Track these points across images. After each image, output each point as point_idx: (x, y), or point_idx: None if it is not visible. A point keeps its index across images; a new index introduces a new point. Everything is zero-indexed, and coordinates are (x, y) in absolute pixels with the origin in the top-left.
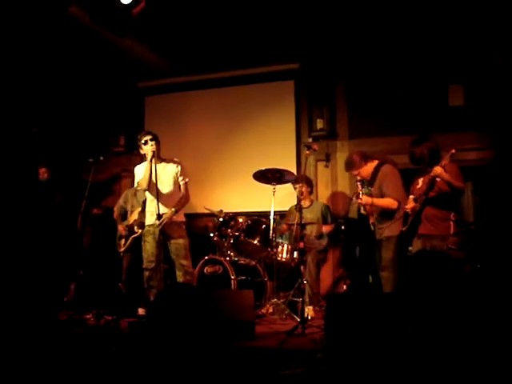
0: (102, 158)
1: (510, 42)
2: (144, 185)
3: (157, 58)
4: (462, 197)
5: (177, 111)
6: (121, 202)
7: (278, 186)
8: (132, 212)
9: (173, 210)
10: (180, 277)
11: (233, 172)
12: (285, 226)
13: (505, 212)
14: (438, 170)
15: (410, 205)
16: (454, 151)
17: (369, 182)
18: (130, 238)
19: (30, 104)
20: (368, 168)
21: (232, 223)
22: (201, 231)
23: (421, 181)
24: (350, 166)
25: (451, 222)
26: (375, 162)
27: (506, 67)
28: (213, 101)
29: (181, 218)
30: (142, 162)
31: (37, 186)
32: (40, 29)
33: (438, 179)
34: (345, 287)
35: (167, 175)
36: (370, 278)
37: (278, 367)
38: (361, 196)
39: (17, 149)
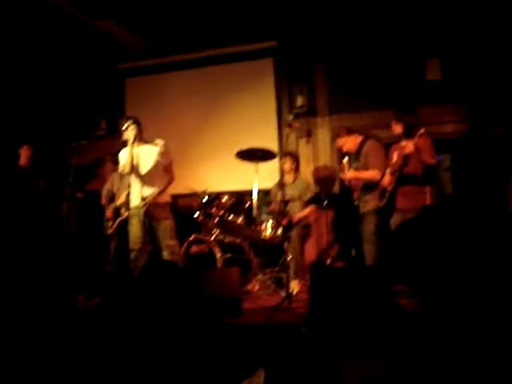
0: (84, 142)
1: (485, 16)
2: (127, 169)
3: (135, 38)
4: (438, 170)
5: (157, 92)
6: (108, 186)
7: (261, 164)
8: (119, 195)
9: (156, 191)
10: (166, 256)
11: (215, 151)
12: (273, 207)
13: (481, 183)
14: (409, 147)
15: (387, 179)
16: (422, 131)
17: (355, 157)
18: (117, 221)
19: (11, 88)
20: (353, 140)
21: (216, 202)
22: (185, 211)
23: (396, 154)
24: (335, 137)
25: (427, 196)
26: (360, 137)
27: (482, 40)
28: (192, 81)
29: (166, 198)
30: (125, 146)
31: (17, 172)
32: (18, 12)
33: (410, 156)
34: (329, 261)
35: (150, 157)
36: (353, 251)
37: (265, 342)
38: (346, 171)
39: None
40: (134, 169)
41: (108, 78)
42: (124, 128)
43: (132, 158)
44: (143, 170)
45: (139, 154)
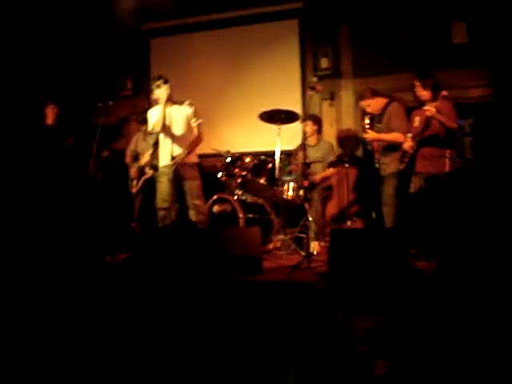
0: (111, 102)
1: None
2: (158, 128)
3: None
4: (460, 134)
5: (182, 53)
6: (132, 146)
7: (284, 126)
8: (143, 154)
9: (186, 151)
10: (193, 216)
11: (239, 112)
12: (294, 167)
13: (504, 149)
14: (431, 110)
15: (408, 143)
16: (445, 93)
17: (378, 119)
18: (142, 179)
19: (38, 50)
20: (377, 102)
21: (239, 163)
22: (208, 171)
23: (417, 119)
24: (361, 97)
25: (447, 160)
26: (385, 99)
27: (509, 3)
28: (217, 42)
29: (194, 159)
30: (151, 105)
31: (44, 130)
32: None
33: (432, 119)
34: (349, 222)
35: (180, 117)
36: (373, 213)
37: (284, 299)
38: (367, 131)
39: (26, 92)
40: (164, 128)
41: (133, 39)
42: (156, 86)
43: (164, 117)
44: (174, 129)
45: (170, 114)
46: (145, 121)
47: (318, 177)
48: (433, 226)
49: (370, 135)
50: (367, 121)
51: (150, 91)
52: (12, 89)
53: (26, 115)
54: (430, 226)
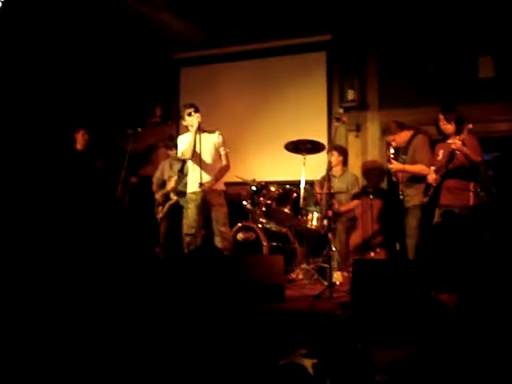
0: (140, 129)
1: None
2: (188, 154)
3: (192, 30)
4: (484, 167)
5: (211, 82)
6: (158, 174)
7: (309, 156)
8: (169, 180)
9: (214, 178)
10: (218, 242)
11: (265, 142)
12: (318, 196)
13: None
14: (457, 143)
15: (432, 176)
16: (471, 126)
17: (403, 151)
18: (167, 205)
19: (70, 76)
20: (403, 135)
21: (264, 192)
22: (234, 199)
23: (441, 153)
24: (386, 131)
25: (471, 193)
26: (411, 131)
27: None
28: (246, 72)
29: (221, 186)
30: (179, 132)
31: (74, 155)
32: (80, 3)
33: (457, 152)
34: (372, 254)
35: (209, 145)
36: (397, 245)
37: (306, 327)
38: (392, 161)
39: (57, 118)
40: (194, 155)
41: (164, 68)
42: (187, 113)
43: (194, 145)
44: (203, 157)
45: (200, 142)
46: (174, 146)
47: (343, 208)
48: (456, 258)
49: (395, 166)
50: (392, 151)
51: (178, 119)
52: (44, 114)
53: (56, 140)
54: (453, 258)
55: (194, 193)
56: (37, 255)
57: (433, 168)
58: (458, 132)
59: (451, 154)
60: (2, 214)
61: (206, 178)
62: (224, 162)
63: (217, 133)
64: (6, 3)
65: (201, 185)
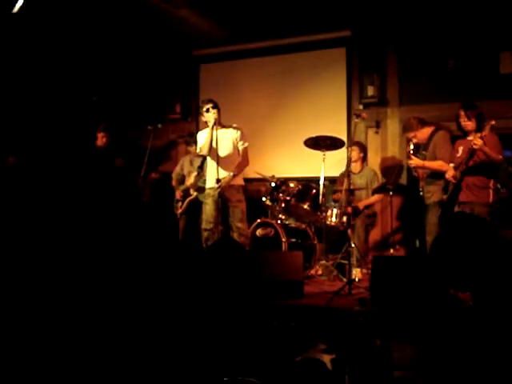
0: (160, 125)
1: None
2: (205, 150)
3: (212, 27)
4: (504, 165)
5: (230, 79)
6: (178, 169)
7: (328, 152)
8: (189, 176)
9: (231, 174)
10: (235, 238)
11: (284, 138)
12: (339, 195)
13: None
14: (477, 142)
15: (451, 173)
16: (493, 122)
17: (423, 147)
18: (186, 201)
19: (90, 74)
20: (424, 132)
21: (283, 188)
22: (253, 195)
23: (461, 149)
24: (407, 128)
25: (490, 190)
26: (432, 128)
27: None
28: (265, 68)
29: (239, 181)
30: (199, 128)
31: (95, 151)
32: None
33: (477, 149)
34: (392, 251)
35: (227, 141)
36: (417, 242)
37: (325, 323)
38: (412, 157)
39: (78, 117)
40: (211, 151)
41: (184, 64)
42: (205, 109)
43: (211, 140)
44: (221, 152)
45: (218, 137)
46: (193, 142)
47: (361, 203)
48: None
49: (414, 162)
50: (411, 146)
51: (198, 115)
52: (65, 112)
53: (77, 138)
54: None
55: (211, 188)
56: (56, 251)
57: (452, 165)
58: (478, 129)
59: (471, 151)
60: (23, 209)
61: (224, 173)
62: (242, 157)
63: (235, 127)
64: (27, 2)
65: (218, 181)
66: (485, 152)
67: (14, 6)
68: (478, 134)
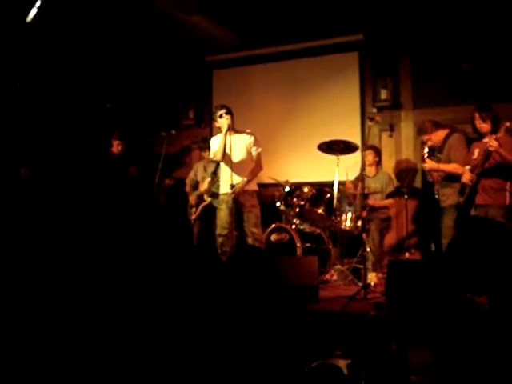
0: (174, 131)
1: None
2: (219, 156)
3: (224, 33)
4: None
5: (243, 84)
6: (191, 175)
7: (342, 157)
8: (202, 182)
9: (245, 179)
10: (250, 243)
11: (298, 143)
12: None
13: None
14: (493, 144)
15: (467, 175)
16: (508, 124)
17: (438, 150)
18: (200, 207)
19: (104, 81)
20: (439, 134)
21: (297, 193)
22: (267, 200)
23: (476, 152)
24: (422, 131)
25: (507, 193)
26: (446, 130)
27: None
28: (278, 74)
29: (253, 186)
30: (212, 134)
31: (110, 158)
32: (114, 7)
33: (493, 152)
34: (407, 255)
35: (241, 146)
36: (433, 245)
37: (341, 328)
38: (426, 160)
39: (92, 124)
40: (225, 156)
41: (196, 70)
42: (218, 115)
43: (225, 146)
44: (234, 158)
45: (231, 143)
46: (207, 148)
47: (377, 204)
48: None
49: (429, 165)
50: (426, 150)
51: (211, 121)
52: (80, 119)
53: (92, 145)
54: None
55: (225, 194)
56: (71, 257)
57: (468, 167)
58: (493, 131)
59: (487, 154)
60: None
61: (237, 179)
62: (256, 163)
63: (248, 133)
64: (41, 8)
65: (232, 186)
66: (500, 154)
67: (28, 15)
68: (494, 136)
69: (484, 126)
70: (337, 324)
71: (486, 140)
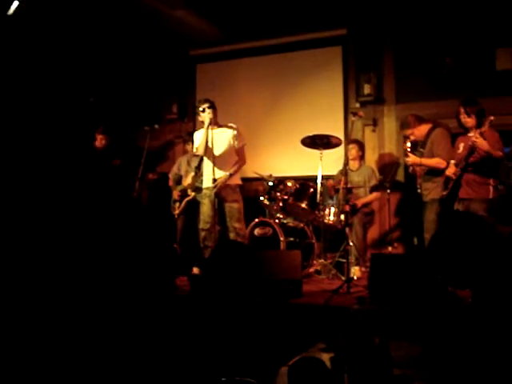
0: (157, 126)
1: None
2: (201, 150)
3: (208, 26)
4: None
5: (227, 78)
6: (175, 169)
7: (326, 151)
8: (186, 177)
9: (227, 173)
10: (232, 238)
11: (281, 137)
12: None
13: None
14: (477, 139)
15: (452, 169)
16: (492, 118)
17: (421, 144)
18: (184, 201)
19: (86, 75)
20: (422, 129)
21: (281, 187)
22: (251, 195)
23: (461, 146)
24: (404, 125)
25: (491, 187)
26: (429, 125)
27: None
28: (262, 68)
29: (236, 181)
30: (196, 128)
31: (94, 152)
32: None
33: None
34: (390, 249)
35: (223, 140)
36: (415, 239)
37: (324, 322)
38: (408, 154)
39: (75, 118)
40: (207, 151)
41: (180, 64)
42: (201, 109)
43: (207, 140)
44: (216, 152)
45: (213, 137)
46: (191, 142)
47: (360, 201)
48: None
49: (411, 159)
50: (408, 144)
51: (195, 115)
52: (62, 113)
53: (75, 139)
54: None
55: (208, 188)
56: (52, 253)
57: (453, 161)
58: (478, 125)
59: (471, 148)
60: (17, 210)
61: (220, 173)
62: (239, 157)
63: (231, 127)
64: (22, 2)
65: (214, 180)
66: (485, 149)
67: (10, 7)
68: (478, 130)
69: (469, 121)
70: (320, 318)
71: (471, 134)
